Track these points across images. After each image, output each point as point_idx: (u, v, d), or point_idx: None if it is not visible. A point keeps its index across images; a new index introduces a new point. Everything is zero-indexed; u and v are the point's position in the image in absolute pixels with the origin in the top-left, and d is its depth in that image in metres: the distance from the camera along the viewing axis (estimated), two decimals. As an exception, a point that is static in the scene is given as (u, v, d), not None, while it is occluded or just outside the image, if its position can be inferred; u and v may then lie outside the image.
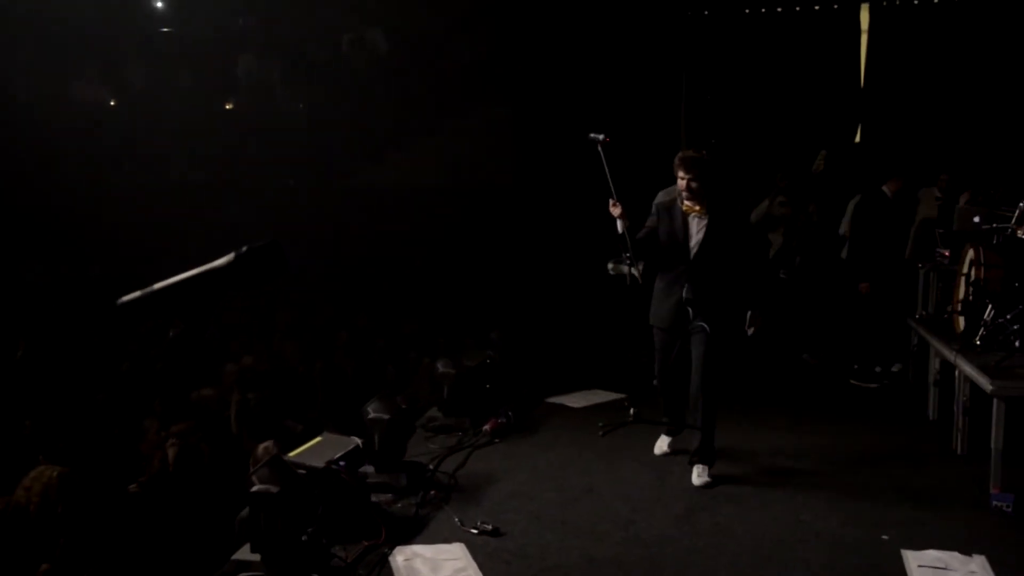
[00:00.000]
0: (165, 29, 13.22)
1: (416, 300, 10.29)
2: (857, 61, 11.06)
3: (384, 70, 11.56)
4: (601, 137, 6.24)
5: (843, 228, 9.76)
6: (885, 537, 5.69)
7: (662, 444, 7.10)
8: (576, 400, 8.33)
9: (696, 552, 5.49)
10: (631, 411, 6.64)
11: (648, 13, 10.88)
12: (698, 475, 6.48)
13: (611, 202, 6.31)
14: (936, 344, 7.75)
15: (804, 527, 5.91)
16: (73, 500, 4.09)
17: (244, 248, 1.71)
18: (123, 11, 12.07)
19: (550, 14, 10.44)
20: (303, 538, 5.03)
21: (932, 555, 5.43)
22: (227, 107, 14.04)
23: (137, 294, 1.68)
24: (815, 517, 6.05)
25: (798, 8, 11.09)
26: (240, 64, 13.35)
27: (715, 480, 6.43)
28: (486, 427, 7.62)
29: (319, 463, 5.69)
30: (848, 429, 7.92)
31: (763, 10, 11.17)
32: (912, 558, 5.39)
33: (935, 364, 7.99)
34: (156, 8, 12.97)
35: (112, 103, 14.15)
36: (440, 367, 7.75)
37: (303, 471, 5.47)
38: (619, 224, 6.35)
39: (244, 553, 5.09)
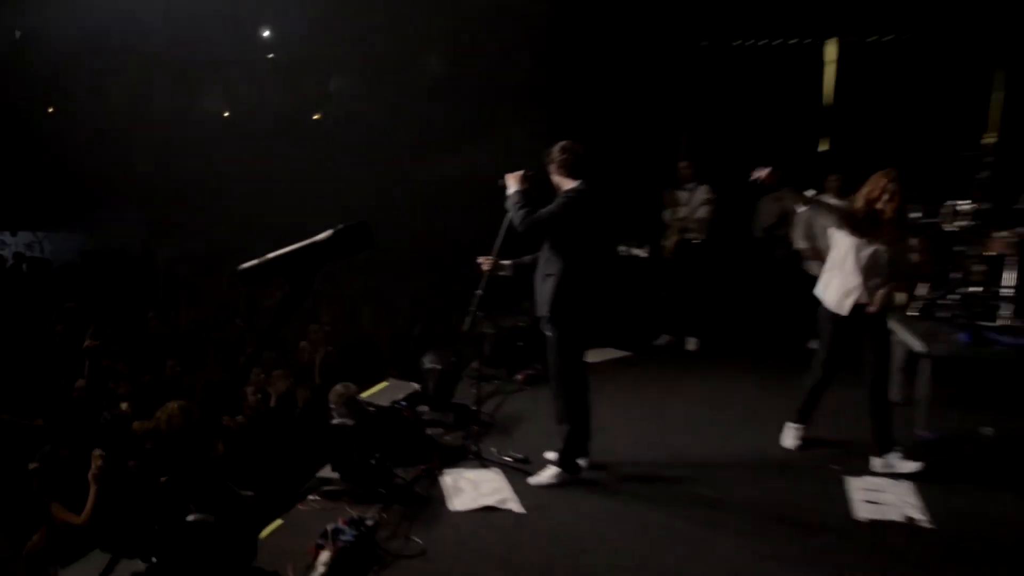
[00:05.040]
0: (270, 55, 13.38)
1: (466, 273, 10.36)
2: (824, 85, 11.08)
3: (447, 85, 11.64)
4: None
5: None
6: (834, 467, 5.75)
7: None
8: (592, 356, 8.42)
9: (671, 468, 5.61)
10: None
11: (659, 44, 10.91)
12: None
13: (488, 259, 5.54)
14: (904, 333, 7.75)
15: (769, 457, 6.00)
16: (190, 425, 4.23)
17: (341, 226, 1.80)
18: (238, 42, 12.23)
19: (579, 42, 10.46)
20: (372, 461, 5.14)
21: (870, 481, 5.50)
22: (315, 117, 14.19)
23: (255, 261, 1.77)
24: (779, 450, 6.14)
25: (777, 42, 11.10)
26: (330, 83, 13.49)
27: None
28: (519, 377, 7.72)
29: (385, 402, 5.80)
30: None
31: (749, 43, 11.19)
32: (853, 483, 5.47)
33: (900, 351, 7.97)
34: (262, 38, 13.11)
35: (226, 114, 14.39)
36: (484, 328, 7.84)
37: (372, 408, 5.58)
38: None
39: (326, 472, 5.23)
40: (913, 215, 7.84)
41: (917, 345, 6.31)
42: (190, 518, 3.68)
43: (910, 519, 4.97)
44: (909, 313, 7.08)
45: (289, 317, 1.78)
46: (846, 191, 8.06)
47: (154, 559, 3.45)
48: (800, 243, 8.43)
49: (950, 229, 6.97)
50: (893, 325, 7.09)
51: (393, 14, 10.66)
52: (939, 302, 6.88)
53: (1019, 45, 10.03)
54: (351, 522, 4.44)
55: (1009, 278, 6.70)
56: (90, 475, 4.64)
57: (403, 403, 5.90)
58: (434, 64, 12.08)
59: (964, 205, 6.94)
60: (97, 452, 4.68)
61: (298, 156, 12.67)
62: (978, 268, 6.86)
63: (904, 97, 10.41)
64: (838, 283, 5.65)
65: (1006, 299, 6.66)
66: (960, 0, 9.94)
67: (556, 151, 5.30)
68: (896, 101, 10.47)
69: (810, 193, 5.67)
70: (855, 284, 5.57)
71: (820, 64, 11.05)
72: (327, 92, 13.33)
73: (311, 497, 5.06)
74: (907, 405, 6.85)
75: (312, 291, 1.80)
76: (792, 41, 11.07)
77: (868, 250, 5.52)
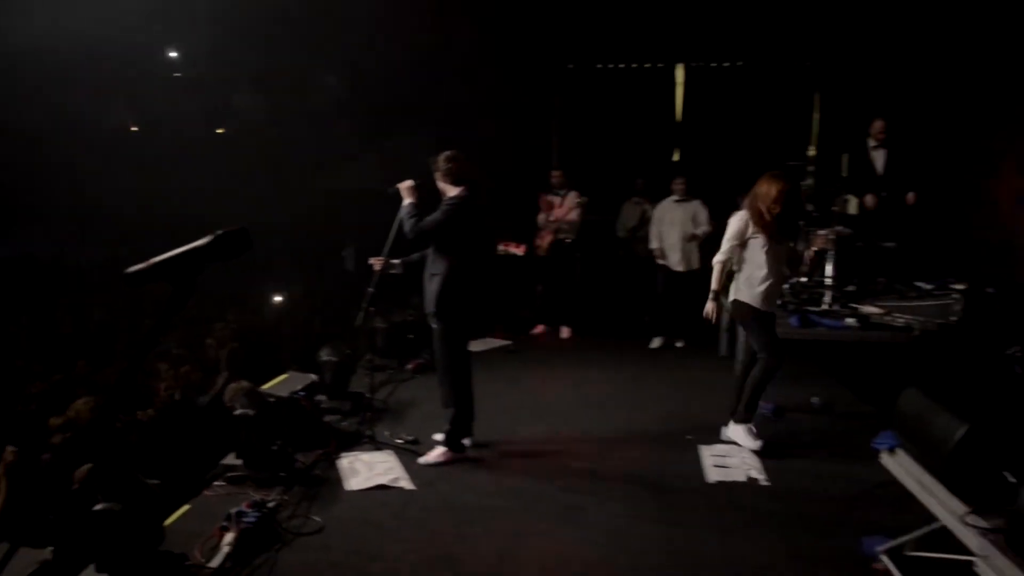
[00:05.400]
0: (177, 74, 12.92)
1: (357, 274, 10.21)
2: (674, 103, 11.35)
3: (340, 102, 11.44)
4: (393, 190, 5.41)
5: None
6: (689, 437, 5.88)
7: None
8: (475, 346, 8.39)
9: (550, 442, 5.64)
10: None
11: (533, 66, 10.97)
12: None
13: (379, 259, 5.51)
14: (726, 302, 7.92)
15: (634, 430, 6.08)
16: (101, 419, 4.04)
17: (220, 231, 1.73)
18: (146, 60, 11.77)
19: (462, 64, 10.43)
20: (273, 448, 5.01)
21: (719, 448, 5.64)
22: (218, 131, 13.75)
23: (140, 265, 1.68)
24: (641, 423, 6.23)
25: (634, 66, 11.31)
26: (234, 99, 13.08)
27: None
28: (409, 366, 7.63)
29: (285, 393, 5.66)
30: (667, 366, 8.12)
31: (611, 66, 11.37)
32: (705, 450, 5.60)
33: (725, 317, 8.14)
34: (171, 58, 12.65)
35: (134, 128, 13.82)
36: (376, 322, 7.73)
37: (273, 399, 5.44)
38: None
39: (230, 459, 5.06)
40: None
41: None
42: (97, 507, 3.50)
43: (752, 479, 5.11)
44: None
45: (174, 317, 1.69)
46: (691, 192, 8.32)
47: (52, 548, 3.26)
48: (653, 243, 8.62)
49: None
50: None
51: (292, 35, 10.41)
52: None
53: (832, 73, 10.54)
54: (254, 504, 4.33)
55: (829, 270, 6.97)
56: (0, 470, 4.38)
57: (302, 393, 5.78)
58: (331, 82, 11.87)
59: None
60: (10, 448, 4.42)
61: (205, 168, 12.24)
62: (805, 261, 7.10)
63: (741, 114, 10.80)
64: (760, 281, 5.42)
65: (827, 288, 6.92)
66: (785, 33, 10.34)
67: (441, 160, 5.31)
68: (734, 118, 10.85)
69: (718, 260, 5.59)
70: (773, 280, 5.46)
71: (672, 85, 11.33)
72: (231, 107, 12.91)
73: (217, 483, 4.89)
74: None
75: (220, 291, 1.72)
76: (647, 65, 11.29)
77: (778, 248, 5.41)
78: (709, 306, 5.57)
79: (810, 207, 7.22)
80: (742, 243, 5.46)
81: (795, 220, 5.50)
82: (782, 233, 5.36)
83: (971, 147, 8.10)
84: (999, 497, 3.13)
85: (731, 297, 5.63)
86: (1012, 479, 3.11)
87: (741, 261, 5.52)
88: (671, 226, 8.47)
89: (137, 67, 11.60)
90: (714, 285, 5.55)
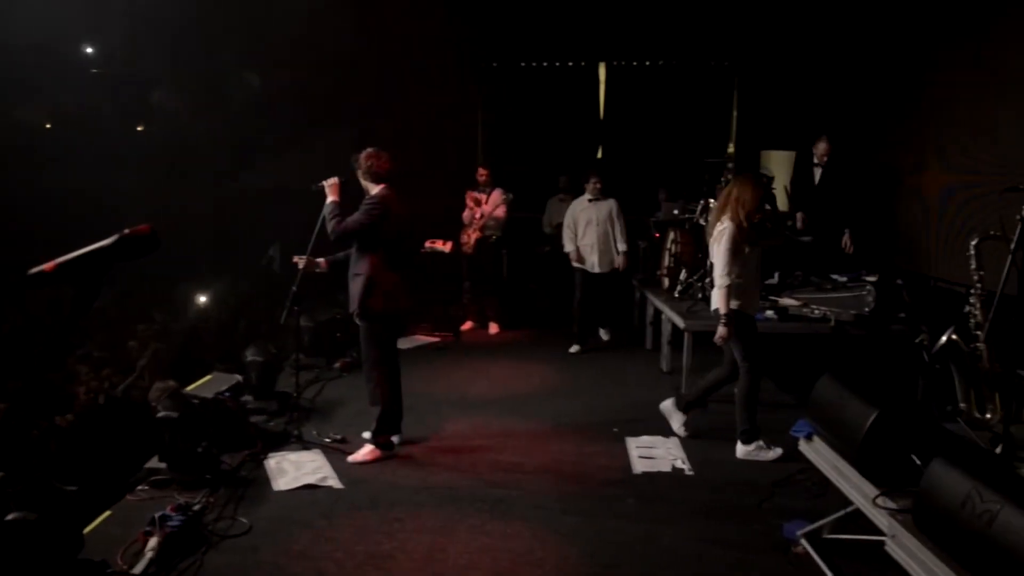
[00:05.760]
0: (94, 70, 12.50)
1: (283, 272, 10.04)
2: (597, 102, 11.45)
3: (262, 99, 11.22)
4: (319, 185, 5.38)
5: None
6: (615, 429, 5.95)
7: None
8: (403, 343, 8.33)
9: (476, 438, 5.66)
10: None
11: (454, 63, 10.94)
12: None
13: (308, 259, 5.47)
14: (650, 297, 8.09)
15: (562, 424, 6.12)
16: (14, 425, 3.89)
17: (126, 231, 1.67)
18: (61, 57, 11.35)
19: (386, 61, 10.35)
20: (198, 450, 4.90)
21: (645, 440, 5.72)
22: (138, 129, 13.36)
23: (43, 266, 1.62)
24: (569, 417, 6.28)
25: (557, 64, 11.37)
26: (153, 96, 12.71)
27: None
28: (337, 365, 7.55)
29: (209, 394, 5.56)
30: (593, 360, 8.19)
31: (534, 64, 11.41)
32: (632, 442, 5.67)
33: (650, 311, 8.31)
34: (87, 53, 12.23)
35: (48, 126, 13.33)
36: (302, 321, 7.61)
37: (197, 400, 5.33)
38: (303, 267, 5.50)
39: (154, 463, 4.94)
40: (675, 211, 8.25)
41: (680, 322, 6.62)
42: (9, 517, 3.38)
43: (677, 469, 5.21)
44: (675, 295, 7.43)
45: (80, 317, 1.64)
46: (606, 192, 8.36)
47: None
48: (568, 246, 8.39)
49: (703, 223, 7.31)
50: (661, 306, 7.44)
51: (210, 30, 10.18)
52: (697, 284, 7.23)
53: (750, 72, 10.78)
54: (178, 508, 4.24)
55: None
56: None
57: (227, 394, 5.69)
58: (253, 78, 11.64)
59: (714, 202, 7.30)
60: None
61: (124, 167, 11.88)
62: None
63: (662, 112, 10.98)
64: (744, 286, 5.29)
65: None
66: (704, 33, 10.54)
67: (362, 158, 5.29)
68: (656, 116, 11.03)
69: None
70: (755, 283, 5.44)
71: (595, 83, 11.43)
72: (150, 105, 12.55)
73: (140, 487, 4.77)
74: (672, 374, 7.22)
75: (143, 291, 1.67)
76: (570, 64, 11.37)
77: (754, 250, 5.33)
78: (722, 330, 5.23)
79: None
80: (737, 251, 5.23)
81: (764, 220, 5.39)
82: (759, 235, 5.28)
83: (898, 143, 8.33)
84: (907, 479, 3.25)
85: (713, 306, 5.40)
86: (918, 462, 3.23)
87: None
88: (588, 226, 8.26)
89: (51, 62, 11.20)
90: (723, 309, 5.20)
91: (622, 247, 8.25)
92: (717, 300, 5.28)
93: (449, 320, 9.25)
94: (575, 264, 8.37)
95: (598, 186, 8.25)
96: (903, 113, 8.28)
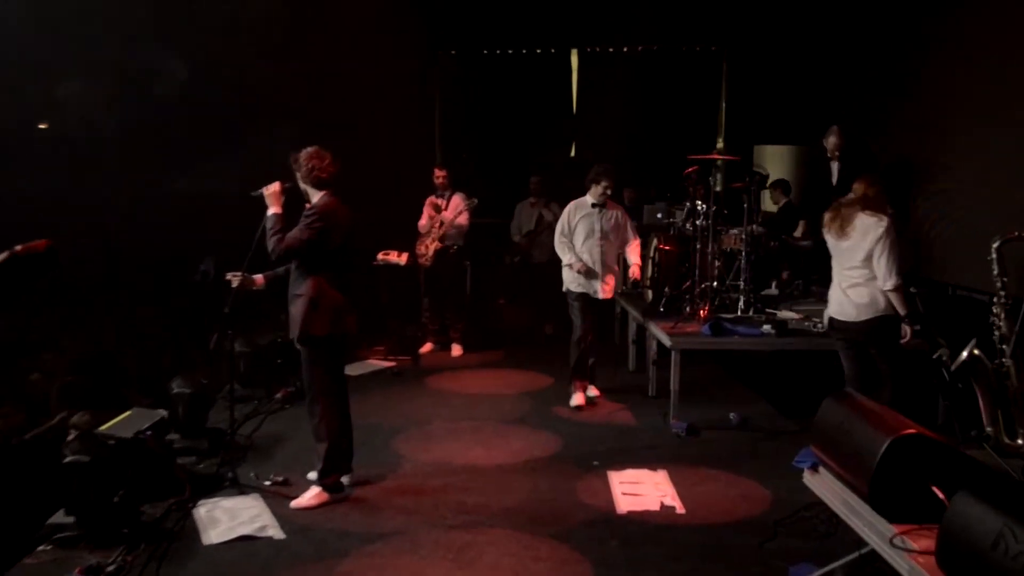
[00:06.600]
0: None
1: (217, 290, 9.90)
2: (570, 93, 11.45)
3: (189, 95, 11.08)
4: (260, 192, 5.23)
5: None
6: (596, 463, 5.89)
7: None
8: (352, 369, 8.23)
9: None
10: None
11: (408, 50, 10.89)
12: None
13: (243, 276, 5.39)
14: (633, 312, 8.04)
15: (535, 457, 6.05)
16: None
17: (16, 247, 1.57)
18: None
19: (328, 51, 10.28)
20: (114, 500, 4.76)
21: (629, 473, 5.68)
22: (41, 127, 13.14)
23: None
24: (543, 449, 6.21)
25: (524, 51, 11.34)
26: (59, 89, 12.50)
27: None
28: (278, 395, 7.44)
29: (128, 434, 5.40)
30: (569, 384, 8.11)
31: (498, 52, 11.37)
32: (615, 477, 5.62)
33: (632, 328, 8.29)
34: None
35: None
36: (237, 346, 7.49)
37: (112, 441, 5.18)
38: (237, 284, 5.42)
39: (60, 517, 4.78)
40: (657, 215, 8.24)
41: (666, 340, 6.58)
42: None
43: (667, 507, 5.15)
44: (660, 309, 7.38)
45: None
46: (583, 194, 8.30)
47: None
48: (566, 257, 8.13)
49: (690, 228, 7.30)
50: (645, 322, 7.39)
51: (128, 17, 10.02)
52: (685, 297, 7.20)
53: (742, 60, 10.82)
54: (88, 570, 4.13)
55: (743, 273, 7.12)
56: None
57: (148, 432, 5.51)
58: (180, 71, 11.48)
59: (701, 206, 7.28)
60: None
61: (25, 169, 11.65)
62: (715, 264, 7.24)
63: (642, 105, 10.98)
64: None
65: (741, 292, 7.07)
66: (691, 14, 10.56)
67: (303, 159, 5.19)
68: (635, 109, 11.02)
69: None
70: None
71: (566, 73, 11.44)
72: (55, 100, 12.34)
73: (41, 548, 4.60)
74: (659, 397, 7.18)
75: (50, 314, 1.55)
76: (538, 51, 11.37)
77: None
78: (909, 329, 5.27)
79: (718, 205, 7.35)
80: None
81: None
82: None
83: (909, 134, 8.36)
84: (928, 515, 3.19)
85: (860, 314, 5.34)
86: (941, 496, 3.18)
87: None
88: (589, 238, 7.50)
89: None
90: (904, 309, 5.25)
91: (634, 259, 7.34)
92: (894, 302, 5.25)
93: (406, 342, 9.16)
94: (574, 288, 7.23)
95: (608, 189, 7.15)
96: (914, 100, 8.30)
